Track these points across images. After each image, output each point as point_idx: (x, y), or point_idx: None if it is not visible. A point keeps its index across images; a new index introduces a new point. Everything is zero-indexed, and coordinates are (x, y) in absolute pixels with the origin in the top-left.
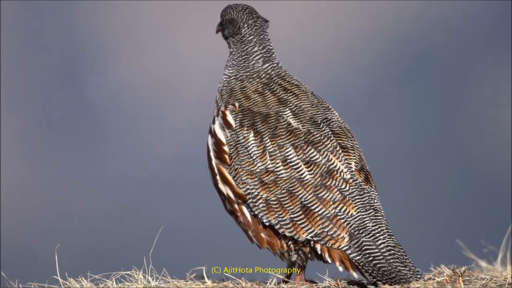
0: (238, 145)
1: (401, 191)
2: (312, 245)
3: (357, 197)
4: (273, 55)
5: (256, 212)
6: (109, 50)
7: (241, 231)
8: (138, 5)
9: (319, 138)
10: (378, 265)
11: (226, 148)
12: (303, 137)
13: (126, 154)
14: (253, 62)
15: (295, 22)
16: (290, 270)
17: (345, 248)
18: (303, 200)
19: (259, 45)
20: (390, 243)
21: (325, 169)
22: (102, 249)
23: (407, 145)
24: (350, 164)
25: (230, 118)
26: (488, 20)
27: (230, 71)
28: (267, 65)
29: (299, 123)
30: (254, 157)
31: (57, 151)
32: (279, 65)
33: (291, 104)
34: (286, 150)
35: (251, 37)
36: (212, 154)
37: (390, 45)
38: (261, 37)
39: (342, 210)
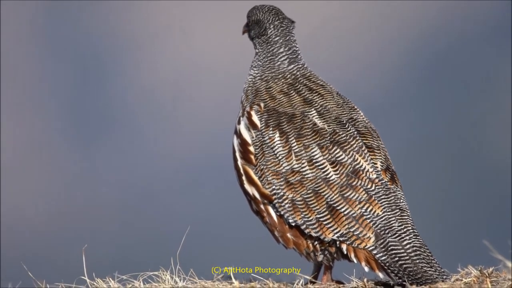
0: (263, 145)
1: (428, 190)
2: (338, 245)
3: (383, 197)
4: (299, 56)
5: (282, 213)
6: (126, 53)
7: (266, 231)
8: (155, 6)
9: (345, 138)
10: (404, 266)
11: (251, 148)
12: (328, 137)
13: (151, 155)
14: (279, 63)
15: (313, 23)
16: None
17: (371, 248)
18: (329, 200)
19: (285, 46)
20: (416, 243)
21: (351, 169)
22: (130, 249)
23: (432, 144)
24: (376, 164)
25: (255, 118)
26: (505, 23)
27: (256, 72)
28: (292, 66)
29: (324, 123)
30: (280, 157)
31: (78, 153)
32: (305, 66)
33: (316, 104)
34: (312, 150)
35: (277, 38)
36: (237, 154)
37: (404, 49)
38: (287, 38)
39: (368, 210)
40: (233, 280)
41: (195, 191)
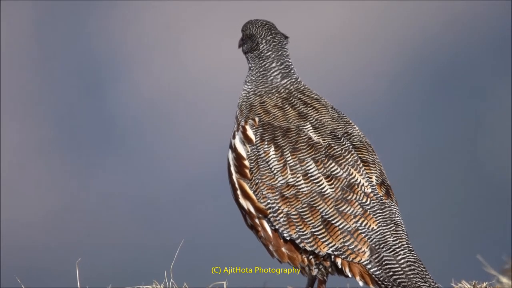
0: (258, 160)
1: (422, 206)
2: (332, 260)
3: (378, 211)
4: (292, 71)
5: (277, 227)
6: (129, 63)
7: (260, 245)
8: (158, 16)
9: (340, 152)
10: (398, 281)
11: (246, 162)
12: (323, 151)
13: (146, 168)
14: (271, 77)
15: (317, 35)
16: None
17: (365, 262)
18: (324, 214)
19: (277, 61)
20: (410, 258)
21: (346, 183)
22: (123, 262)
23: (426, 158)
24: (371, 178)
25: (250, 132)
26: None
27: (249, 87)
28: (285, 80)
29: (319, 137)
30: (275, 171)
31: (76, 163)
32: (298, 80)
33: (311, 118)
34: (307, 164)
35: (269, 53)
36: (232, 168)
37: (411, 59)
38: (279, 53)
39: (363, 224)
40: None
41: (188, 205)
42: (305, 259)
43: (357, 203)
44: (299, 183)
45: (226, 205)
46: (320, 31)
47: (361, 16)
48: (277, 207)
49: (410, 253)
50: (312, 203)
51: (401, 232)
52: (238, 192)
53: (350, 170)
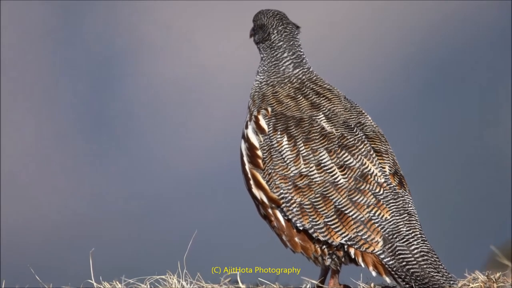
0: (271, 150)
1: (435, 196)
2: (346, 249)
3: (391, 201)
4: (304, 61)
5: (290, 217)
6: (132, 62)
7: (274, 235)
8: (169, 9)
9: (353, 142)
10: (411, 271)
11: (259, 152)
12: (336, 141)
13: (159, 158)
14: (283, 67)
15: (318, 30)
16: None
17: (378, 252)
18: (337, 204)
19: (289, 51)
20: (423, 248)
21: (359, 173)
22: (137, 253)
23: (440, 150)
24: (384, 168)
25: (263, 122)
26: None
27: (261, 77)
28: (297, 70)
29: (332, 127)
30: (288, 161)
31: (89, 154)
32: (310, 69)
33: (324, 108)
34: (320, 154)
35: (281, 43)
36: (245, 158)
37: (413, 53)
38: (291, 43)
39: (376, 214)
40: (240, 284)
41: (202, 197)
42: (318, 249)
43: (370, 193)
44: (312, 173)
45: (226, 204)
46: (315, 24)
47: (360, 8)
48: (290, 197)
49: (424, 243)
50: (325, 193)
51: (414, 222)
52: (251, 182)
53: (363, 160)
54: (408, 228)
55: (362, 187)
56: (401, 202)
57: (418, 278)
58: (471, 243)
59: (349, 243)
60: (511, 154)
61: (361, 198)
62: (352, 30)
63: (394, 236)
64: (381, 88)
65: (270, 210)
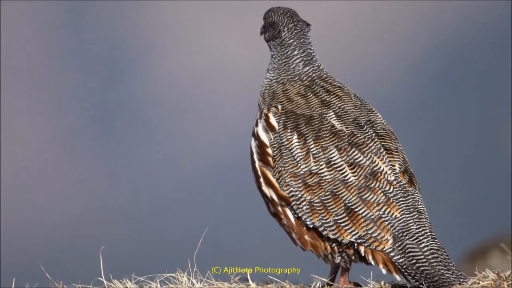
0: (281, 147)
1: (445, 194)
2: (355, 247)
3: (401, 199)
4: (314, 58)
5: (299, 214)
6: (140, 59)
7: (283, 233)
8: (180, 5)
9: (363, 140)
10: (421, 268)
11: (269, 150)
12: (346, 139)
13: (170, 155)
14: (294, 65)
15: (325, 26)
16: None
17: (388, 250)
18: (347, 202)
19: (299, 49)
20: (433, 246)
21: (369, 171)
22: (147, 251)
23: (437, 148)
24: (394, 166)
25: (273, 120)
26: None
27: (272, 75)
28: (308, 68)
29: (342, 125)
30: (298, 159)
31: (101, 149)
32: (320, 67)
33: (334, 106)
34: (330, 152)
35: (291, 40)
36: (255, 156)
37: (413, 53)
38: (301, 40)
39: (386, 212)
40: (250, 282)
41: (212, 195)
42: (328, 247)
43: (380, 191)
44: (322, 171)
45: (235, 202)
46: (323, 21)
47: (360, 8)
48: (300, 195)
49: (433, 240)
50: (335, 191)
51: (424, 220)
52: (261, 180)
53: (373, 158)
54: (418, 226)
55: (372, 185)
56: (411, 200)
57: (428, 276)
58: (472, 241)
59: (359, 241)
60: (511, 154)
61: (371, 196)
62: (352, 30)
63: (404, 234)
64: (381, 88)
65: (280, 208)
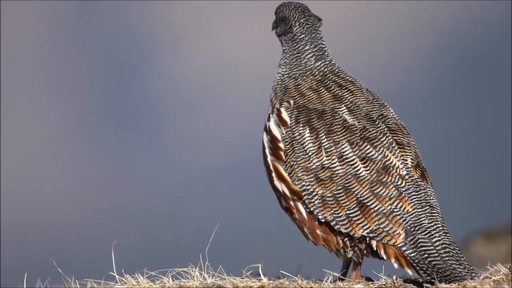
0: (293, 142)
1: (457, 189)
2: (367, 242)
3: (413, 193)
4: (326, 53)
5: (311, 209)
6: (165, 47)
7: (295, 227)
8: (183, 6)
9: (375, 134)
10: (433, 263)
11: (281, 145)
12: (359, 134)
13: (181, 151)
14: (305, 60)
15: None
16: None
17: (400, 244)
18: (359, 196)
19: (311, 44)
20: (445, 240)
21: (381, 165)
22: (159, 245)
23: (462, 139)
24: (406, 160)
25: (285, 115)
26: None
27: (283, 70)
28: (319, 63)
29: (354, 119)
30: (310, 153)
31: (112, 146)
32: (332, 62)
33: (346, 101)
34: (342, 147)
35: (303, 35)
36: (267, 151)
37: (414, 53)
38: (313, 35)
39: (398, 207)
40: (262, 276)
41: (224, 190)
42: (340, 241)
43: (392, 185)
44: (334, 165)
45: (248, 196)
46: (330, 17)
47: (361, 9)
48: (312, 189)
49: (445, 235)
50: (347, 185)
51: (436, 214)
52: (273, 174)
53: (385, 152)
54: (430, 221)
55: (384, 179)
56: (423, 194)
57: (440, 270)
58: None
59: (371, 235)
60: (511, 154)
61: (383, 190)
62: (351, 30)
63: (416, 229)
64: (382, 89)
65: (292, 203)
